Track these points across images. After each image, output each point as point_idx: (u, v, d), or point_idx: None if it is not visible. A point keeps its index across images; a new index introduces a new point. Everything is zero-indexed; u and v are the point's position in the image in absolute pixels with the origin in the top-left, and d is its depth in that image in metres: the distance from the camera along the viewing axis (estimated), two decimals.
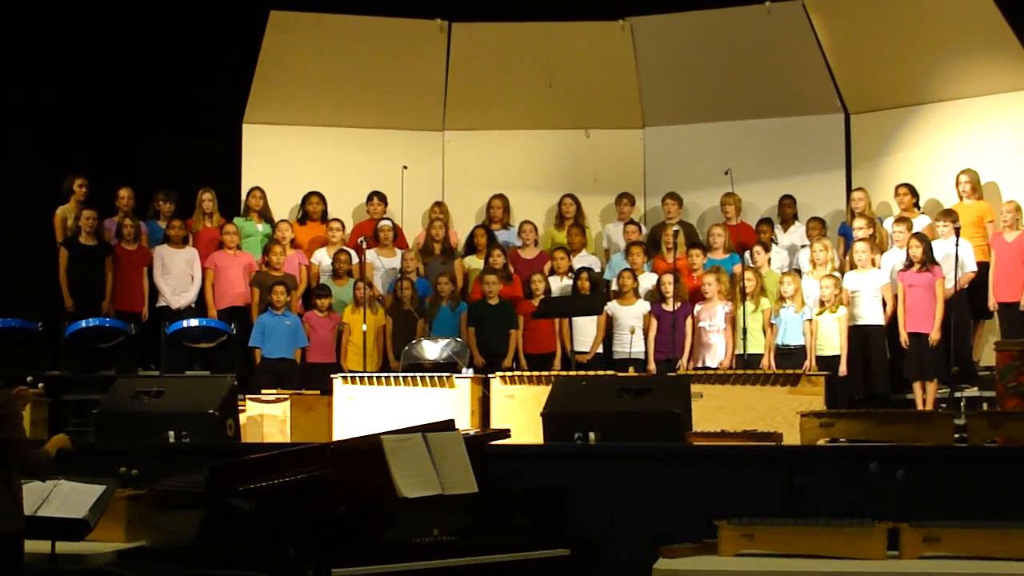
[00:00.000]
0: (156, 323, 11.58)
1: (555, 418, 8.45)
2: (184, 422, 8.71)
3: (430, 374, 10.21)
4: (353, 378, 10.28)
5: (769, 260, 11.68)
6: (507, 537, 6.09)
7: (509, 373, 10.28)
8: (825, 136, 13.07)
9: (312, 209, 12.76)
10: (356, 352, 11.23)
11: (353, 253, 11.98)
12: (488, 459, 6.54)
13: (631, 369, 10.78)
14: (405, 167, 13.02)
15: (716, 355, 11.03)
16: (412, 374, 10.26)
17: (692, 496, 7.21)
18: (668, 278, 11.19)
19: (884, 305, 10.98)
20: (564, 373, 10.18)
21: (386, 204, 12.92)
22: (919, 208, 11.88)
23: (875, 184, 12.46)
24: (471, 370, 10.52)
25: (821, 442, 7.81)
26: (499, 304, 11.57)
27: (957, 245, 10.58)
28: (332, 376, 10.36)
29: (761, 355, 10.91)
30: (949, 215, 11.04)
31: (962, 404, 10.35)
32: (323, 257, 12.32)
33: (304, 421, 10.06)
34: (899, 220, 11.44)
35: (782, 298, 10.95)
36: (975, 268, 11.03)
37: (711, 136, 13.33)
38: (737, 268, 11.40)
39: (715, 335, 11.09)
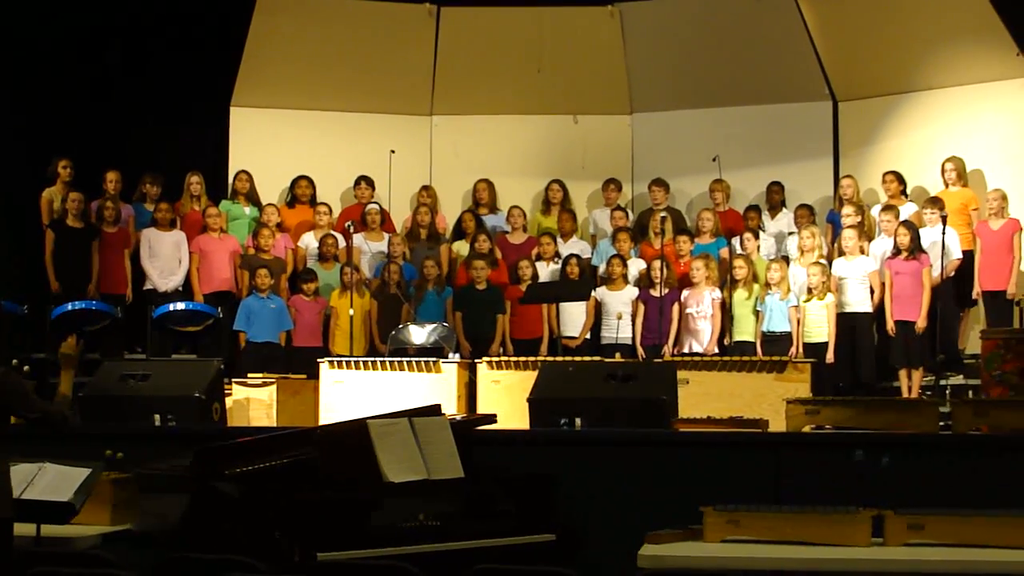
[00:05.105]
0: (143, 306, 11.57)
1: (541, 404, 8.45)
2: (170, 406, 8.68)
3: (417, 359, 10.22)
4: (340, 362, 10.28)
5: (758, 247, 11.69)
6: (492, 522, 6.10)
7: (496, 358, 10.28)
8: (813, 123, 13.07)
9: (301, 192, 12.74)
10: (343, 336, 11.21)
11: (340, 237, 11.97)
12: (474, 444, 6.54)
13: (618, 355, 10.78)
14: (393, 151, 13.01)
15: (702, 341, 11.04)
16: (399, 359, 10.27)
17: (677, 482, 7.21)
18: (656, 264, 11.20)
19: (871, 292, 11.00)
20: (551, 359, 10.17)
21: (374, 188, 12.91)
22: (906, 196, 11.90)
23: (863, 171, 12.47)
24: (458, 355, 10.51)
25: (807, 429, 7.82)
26: (487, 289, 11.56)
27: (944, 233, 10.60)
28: (319, 360, 10.36)
29: (747, 342, 10.91)
30: (936, 203, 11.06)
31: (947, 392, 10.38)
32: (310, 241, 12.30)
33: (290, 405, 10.04)
34: (886, 208, 11.45)
35: (768, 285, 10.97)
36: (960, 256, 11.06)
37: (699, 122, 13.32)
38: (724, 252, 11.41)
39: (702, 321, 11.09)
